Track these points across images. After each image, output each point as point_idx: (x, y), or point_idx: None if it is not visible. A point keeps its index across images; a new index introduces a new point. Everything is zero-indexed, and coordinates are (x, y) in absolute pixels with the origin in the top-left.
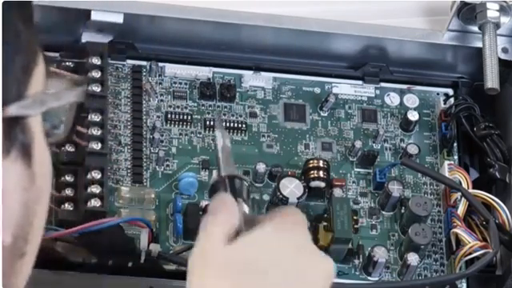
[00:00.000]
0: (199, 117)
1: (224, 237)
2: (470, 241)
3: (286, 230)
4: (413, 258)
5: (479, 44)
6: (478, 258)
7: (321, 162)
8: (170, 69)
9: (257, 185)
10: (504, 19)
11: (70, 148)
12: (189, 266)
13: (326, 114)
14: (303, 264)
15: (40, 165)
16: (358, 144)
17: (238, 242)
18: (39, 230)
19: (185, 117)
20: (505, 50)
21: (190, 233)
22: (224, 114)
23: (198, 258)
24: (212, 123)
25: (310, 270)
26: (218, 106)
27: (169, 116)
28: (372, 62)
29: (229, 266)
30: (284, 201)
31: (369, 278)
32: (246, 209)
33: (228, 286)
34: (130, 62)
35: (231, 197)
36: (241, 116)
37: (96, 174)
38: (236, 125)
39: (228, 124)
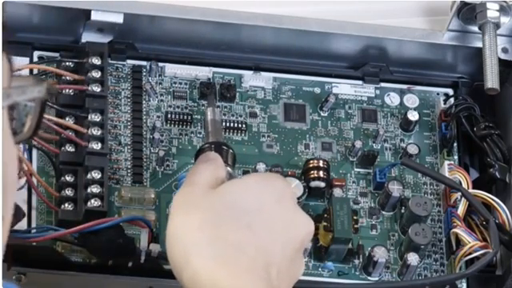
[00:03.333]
0: (199, 117)
1: (208, 183)
2: (470, 241)
3: (269, 181)
4: (413, 258)
5: (479, 44)
6: (477, 257)
7: (321, 161)
8: (170, 69)
9: None
10: (504, 19)
11: (70, 148)
12: (170, 209)
13: (325, 114)
14: (285, 216)
15: (5, 158)
16: (358, 144)
17: (220, 188)
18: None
19: (185, 117)
20: (505, 50)
21: None
22: (224, 114)
23: (179, 200)
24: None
25: (292, 223)
26: (218, 106)
27: (169, 116)
28: (372, 61)
29: (207, 207)
30: None
31: (369, 277)
32: (232, 173)
33: (198, 219)
34: (130, 61)
35: (217, 154)
36: (241, 116)
37: (96, 174)
38: (236, 125)
39: (228, 124)
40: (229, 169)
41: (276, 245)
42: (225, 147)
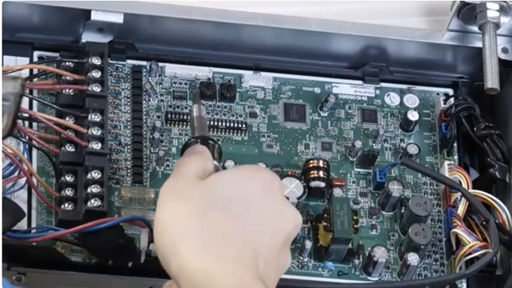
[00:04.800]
0: None
1: (196, 174)
2: (469, 241)
3: (257, 172)
4: (413, 258)
5: (479, 44)
6: (477, 257)
7: (321, 161)
8: (170, 69)
9: None
10: (504, 19)
11: (70, 148)
12: (158, 198)
13: (326, 114)
14: (273, 208)
15: None
16: (358, 144)
17: (208, 179)
18: None
19: (185, 117)
20: (505, 50)
21: None
22: (224, 114)
23: (168, 189)
24: (212, 123)
25: (280, 215)
26: (218, 106)
27: (169, 116)
28: (372, 61)
29: (195, 197)
30: None
31: (369, 277)
32: (218, 166)
33: (187, 208)
34: (130, 62)
35: (205, 147)
36: (241, 116)
37: (96, 174)
38: (236, 125)
39: (228, 124)
40: (216, 162)
41: (264, 236)
42: (211, 141)
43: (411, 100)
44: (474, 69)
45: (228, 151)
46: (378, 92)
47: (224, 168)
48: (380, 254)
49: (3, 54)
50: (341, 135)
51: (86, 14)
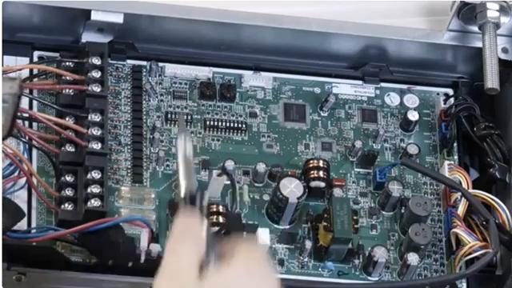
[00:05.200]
0: (199, 117)
1: (192, 272)
2: (469, 241)
3: (255, 270)
4: (413, 258)
5: (479, 44)
6: (477, 258)
7: (321, 161)
8: (170, 69)
9: (257, 185)
10: (504, 19)
11: (70, 148)
12: None
13: (326, 114)
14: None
15: None
16: (358, 144)
17: (208, 281)
18: None
19: (185, 117)
20: (505, 50)
21: None
22: (224, 114)
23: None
24: (212, 123)
25: None
26: (218, 106)
27: (169, 116)
28: (372, 61)
29: None
30: (284, 201)
31: (369, 277)
32: (209, 227)
33: None
34: (130, 62)
35: (196, 217)
36: (241, 116)
37: (96, 174)
38: (236, 125)
39: (228, 124)
40: (205, 229)
41: None
42: (198, 194)
43: (411, 100)
44: (474, 69)
45: (228, 151)
46: (378, 92)
47: (223, 168)
48: (380, 254)
49: (3, 54)
50: (341, 135)
51: (86, 14)
